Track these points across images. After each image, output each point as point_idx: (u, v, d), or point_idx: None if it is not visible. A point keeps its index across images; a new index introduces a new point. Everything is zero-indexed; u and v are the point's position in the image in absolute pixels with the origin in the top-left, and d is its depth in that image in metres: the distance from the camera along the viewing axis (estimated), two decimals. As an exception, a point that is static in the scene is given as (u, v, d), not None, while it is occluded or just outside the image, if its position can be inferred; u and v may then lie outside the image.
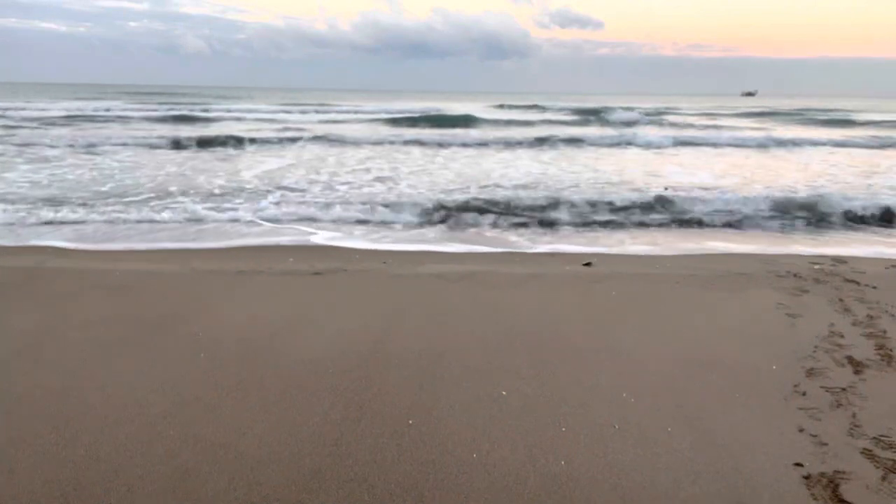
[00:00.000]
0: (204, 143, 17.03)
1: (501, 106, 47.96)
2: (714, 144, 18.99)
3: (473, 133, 21.57)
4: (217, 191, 10.15)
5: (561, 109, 41.03)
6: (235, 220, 8.14)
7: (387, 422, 2.92)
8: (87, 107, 33.66)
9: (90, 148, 15.79)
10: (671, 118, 33.48)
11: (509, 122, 28.90)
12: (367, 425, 2.89)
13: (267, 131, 21.06)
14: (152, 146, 16.54)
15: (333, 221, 8.19)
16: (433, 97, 79.20)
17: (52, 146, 15.76)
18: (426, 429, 2.88)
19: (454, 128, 24.70)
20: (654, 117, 32.98)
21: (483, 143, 18.44)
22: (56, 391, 3.18)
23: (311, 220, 8.23)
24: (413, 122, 28.10)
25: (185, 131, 19.88)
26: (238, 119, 28.63)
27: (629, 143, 18.84)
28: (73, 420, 2.90)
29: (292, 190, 10.29)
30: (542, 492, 2.44)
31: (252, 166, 13.20)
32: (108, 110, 31.29)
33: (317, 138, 19.09)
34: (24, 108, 31.63)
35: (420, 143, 18.41)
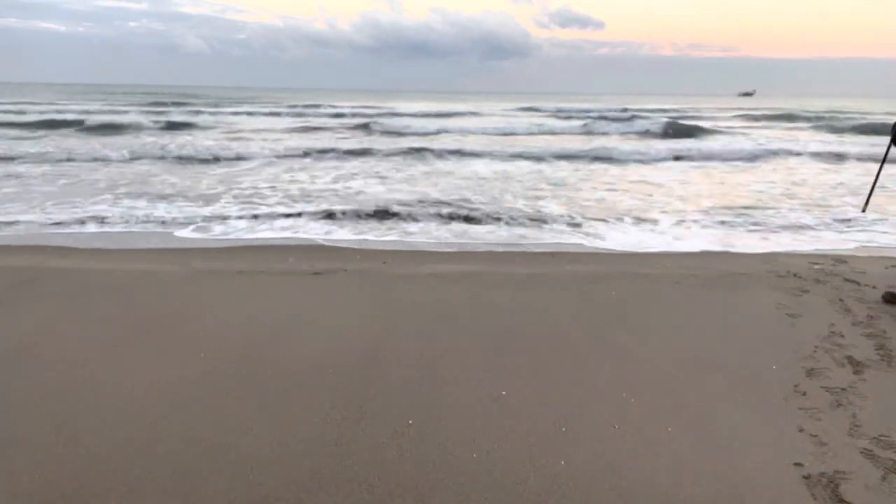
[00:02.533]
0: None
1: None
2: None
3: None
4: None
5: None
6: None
7: (387, 422, 2.92)
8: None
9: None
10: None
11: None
12: (367, 425, 2.89)
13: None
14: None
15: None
16: (440, 97, 78.69)
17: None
18: (426, 429, 2.87)
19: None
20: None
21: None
22: (56, 391, 3.18)
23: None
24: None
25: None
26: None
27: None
28: (73, 420, 2.90)
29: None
30: (542, 492, 2.44)
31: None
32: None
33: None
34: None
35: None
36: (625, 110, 37.04)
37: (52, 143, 17.22)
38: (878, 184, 4.77)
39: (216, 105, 40.08)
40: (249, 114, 33.92)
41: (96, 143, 16.75)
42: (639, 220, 8.43)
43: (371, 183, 11.41)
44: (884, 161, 4.61)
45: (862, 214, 5.07)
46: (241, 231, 7.60)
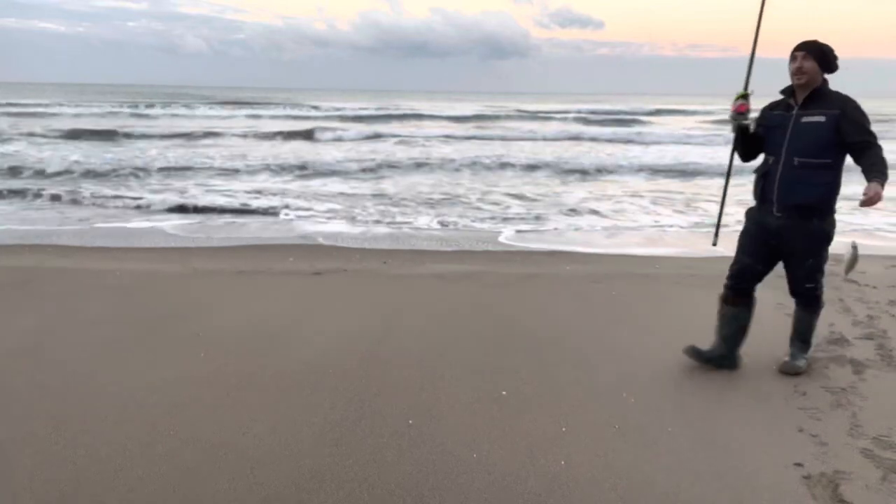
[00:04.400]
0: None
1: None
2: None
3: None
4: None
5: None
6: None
7: (387, 422, 2.92)
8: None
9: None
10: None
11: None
12: (367, 425, 2.89)
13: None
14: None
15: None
16: (438, 98, 78.32)
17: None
18: (426, 429, 2.87)
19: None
20: None
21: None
22: (56, 391, 3.18)
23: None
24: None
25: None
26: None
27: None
28: (73, 420, 2.90)
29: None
30: (542, 492, 2.44)
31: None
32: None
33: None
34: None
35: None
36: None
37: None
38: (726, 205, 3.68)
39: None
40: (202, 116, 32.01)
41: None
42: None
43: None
44: (728, 179, 3.56)
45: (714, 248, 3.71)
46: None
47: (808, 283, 3.37)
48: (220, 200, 9.86)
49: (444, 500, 2.39)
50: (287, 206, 9.50)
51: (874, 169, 2.91)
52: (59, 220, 8.38)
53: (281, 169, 13.77)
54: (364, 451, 2.68)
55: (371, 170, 14.07)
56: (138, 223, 8.24)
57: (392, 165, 14.66)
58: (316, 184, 12.14)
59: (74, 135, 19.82)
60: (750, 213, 3.44)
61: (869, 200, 2.82)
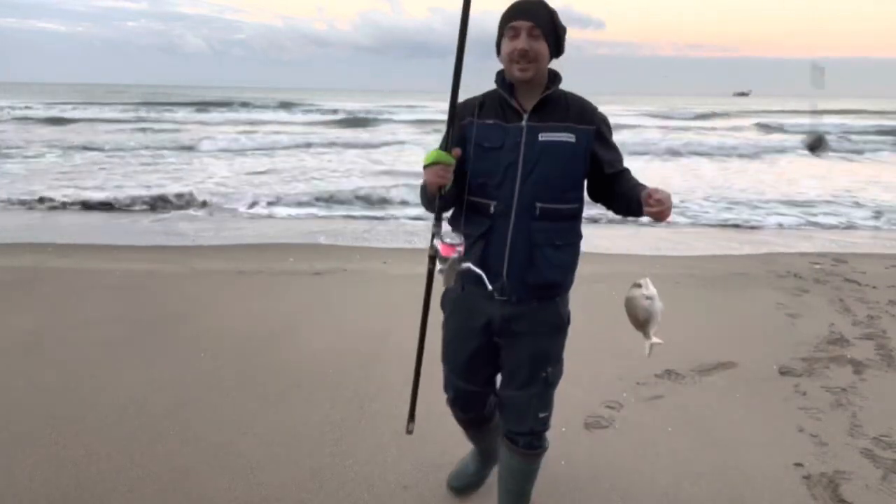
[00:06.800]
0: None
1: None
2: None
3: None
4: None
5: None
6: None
7: (387, 422, 2.92)
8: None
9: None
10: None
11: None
12: (367, 425, 2.89)
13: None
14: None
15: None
16: (436, 97, 78.14)
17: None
18: (426, 429, 2.87)
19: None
20: None
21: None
22: (56, 391, 3.18)
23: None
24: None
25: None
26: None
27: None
28: (73, 420, 2.90)
29: None
30: (541, 492, 2.43)
31: None
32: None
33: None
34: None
35: None
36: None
37: None
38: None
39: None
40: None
41: None
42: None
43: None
44: (428, 294, 2.17)
45: None
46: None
47: (541, 411, 2.11)
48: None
49: (443, 499, 2.39)
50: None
51: (640, 185, 1.87)
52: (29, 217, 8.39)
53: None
54: (364, 451, 2.68)
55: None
56: (142, 219, 8.25)
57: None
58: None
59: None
60: (452, 301, 2.15)
61: (662, 202, 1.70)
